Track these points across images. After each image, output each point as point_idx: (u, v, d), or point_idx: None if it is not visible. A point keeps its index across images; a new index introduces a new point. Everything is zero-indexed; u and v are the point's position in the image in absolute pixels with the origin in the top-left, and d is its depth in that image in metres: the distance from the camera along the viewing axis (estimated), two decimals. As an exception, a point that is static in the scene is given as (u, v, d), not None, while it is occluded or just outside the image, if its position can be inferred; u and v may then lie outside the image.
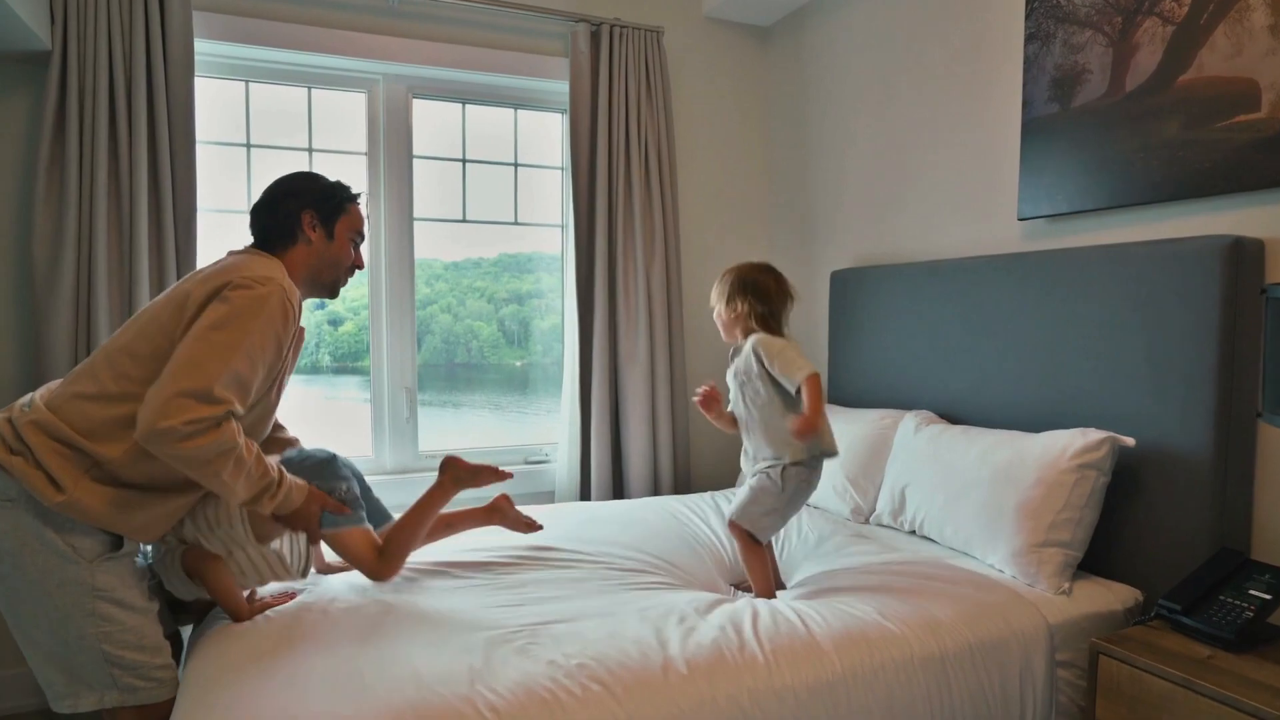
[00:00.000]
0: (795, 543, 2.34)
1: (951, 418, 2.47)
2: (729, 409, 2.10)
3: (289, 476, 1.65)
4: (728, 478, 3.48)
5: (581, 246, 3.07)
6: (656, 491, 3.13)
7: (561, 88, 3.14)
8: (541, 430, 3.35)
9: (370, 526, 1.82)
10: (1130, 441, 1.89)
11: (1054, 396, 2.14)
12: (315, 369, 3.02)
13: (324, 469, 1.78)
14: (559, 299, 3.32)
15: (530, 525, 2.12)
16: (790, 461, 1.94)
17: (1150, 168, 1.96)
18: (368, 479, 2.87)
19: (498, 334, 3.33)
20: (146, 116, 2.44)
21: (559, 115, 3.26)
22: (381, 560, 1.75)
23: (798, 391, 1.90)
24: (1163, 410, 1.88)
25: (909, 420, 2.45)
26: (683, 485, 3.21)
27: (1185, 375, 1.83)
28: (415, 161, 3.02)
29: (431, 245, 3.13)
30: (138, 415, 1.45)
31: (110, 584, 1.54)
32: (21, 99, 2.46)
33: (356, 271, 1.86)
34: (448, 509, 2.00)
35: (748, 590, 2.06)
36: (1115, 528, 1.99)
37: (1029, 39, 2.25)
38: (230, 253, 1.73)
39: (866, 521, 2.48)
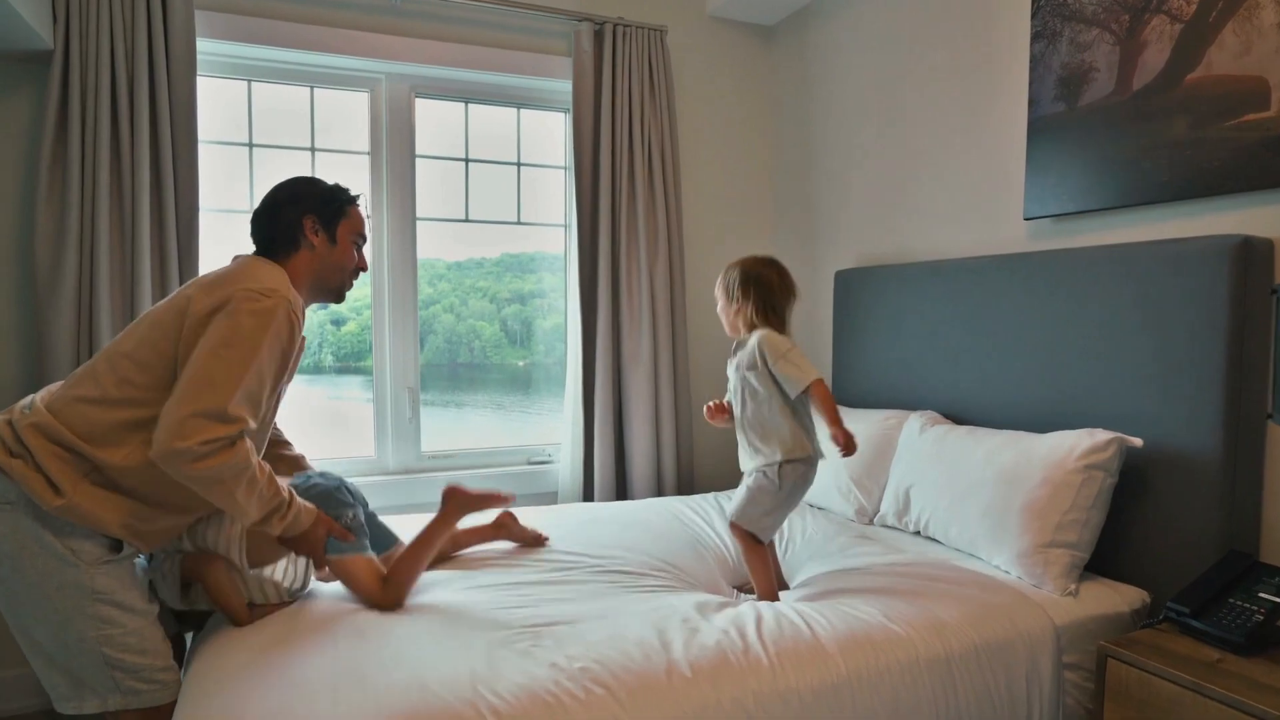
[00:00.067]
0: (799, 543, 2.33)
1: (957, 418, 2.45)
2: (726, 399, 2.10)
3: (298, 499, 1.65)
4: (731, 478, 3.46)
5: (584, 246, 3.06)
6: (660, 492, 3.13)
7: (565, 87, 3.14)
8: (544, 430, 3.34)
9: (374, 555, 1.81)
10: (1138, 442, 1.88)
11: (1060, 397, 2.13)
12: (318, 369, 3.01)
13: (331, 495, 1.79)
14: (562, 299, 3.31)
15: (537, 539, 2.14)
16: (785, 459, 1.94)
17: (1158, 167, 1.94)
18: (370, 479, 2.89)
19: (500, 334, 3.32)
20: (149, 116, 2.44)
21: (562, 115, 3.25)
22: (386, 589, 1.74)
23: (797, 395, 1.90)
24: (1171, 411, 1.87)
25: (914, 421, 2.43)
26: (686, 486, 3.20)
27: (1193, 376, 1.81)
28: (418, 161, 3.02)
29: (434, 245, 3.12)
30: (153, 437, 1.46)
31: (110, 586, 1.53)
32: (23, 98, 2.46)
33: (360, 274, 1.86)
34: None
35: (750, 592, 2.05)
36: (1122, 529, 1.97)
37: (1035, 37, 2.23)
38: (235, 258, 1.72)
39: (871, 522, 2.47)
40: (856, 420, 2.63)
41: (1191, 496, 1.83)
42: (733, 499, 2.06)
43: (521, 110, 3.20)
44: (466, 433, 3.26)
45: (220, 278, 1.60)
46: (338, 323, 3.06)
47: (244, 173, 2.80)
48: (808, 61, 3.29)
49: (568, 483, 3.08)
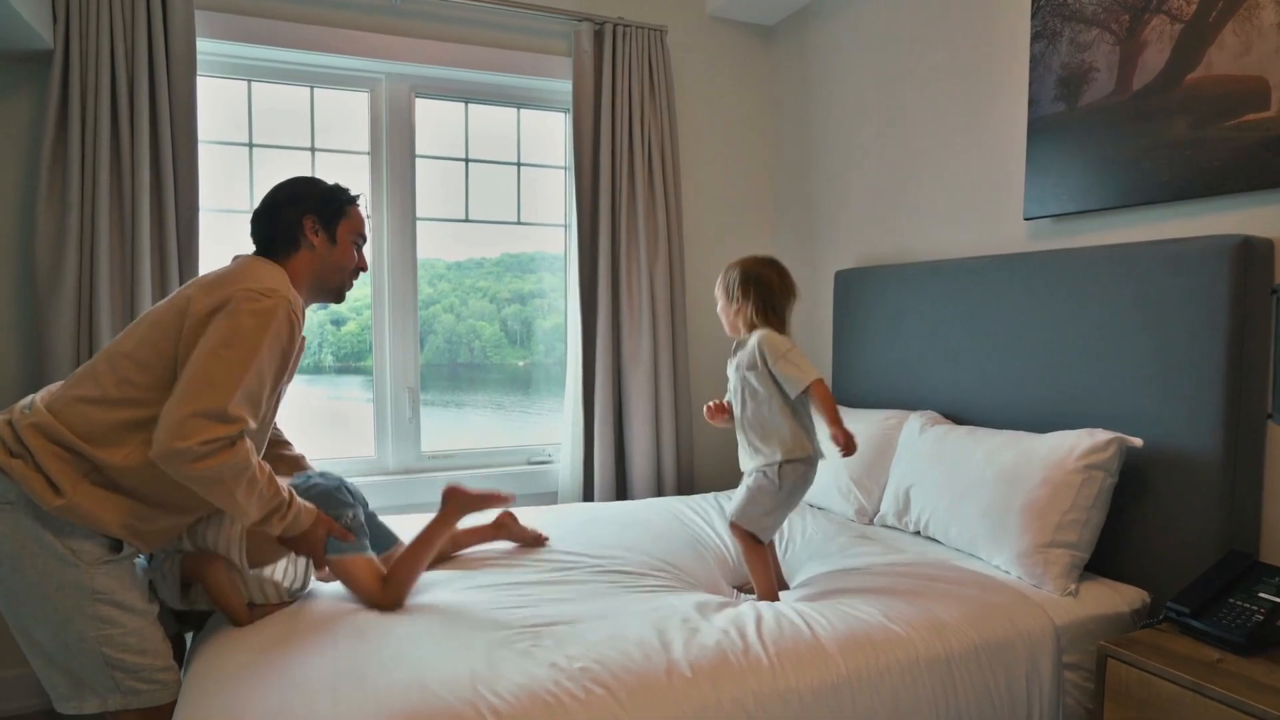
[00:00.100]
0: (799, 543, 2.33)
1: (957, 418, 2.45)
2: (726, 399, 2.10)
3: (298, 499, 1.65)
4: (731, 478, 3.46)
5: (584, 246, 3.06)
6: (660, 492, 3.13)
7: (565, 87, 3.14)
8: (544, 430, 3.34)
9: (374, 555, 1.81)
10: (1138, 442, 1.88)
11: (1060, 397, 2.13)
12: (318, 369, 3.01)
13: (331, 495, 1.79)
14: (562, 299, 3.31)
15: (537, 539, 2.15)
16: (785, 459, 1.94)
17: (1158, 167, 1.94)
18: (370, 479, 2.89)
19: (500, 334, 3.32)
20: (149, 116, 2.44)
21: (562, 114, 3.25)
22: (386, 589, 1.74)
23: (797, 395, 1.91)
24: (1171, 411, 1.87)
25: (914, 421, 2.43)
26: (686, 486, 3.20)
27: (1193, 376, 1.81)
28: (418, 161, 3.02)
29: (434, 245, 3.12)
30: (153, 437, 1.46)
31: (110, 586, 1.53)
32: (23, 98, 2.46)
33: (360, 274, 1.86)
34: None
35: (750, 592, 2.05)
36: (1122, 529, 1.97)
37: (1035, 37, 2.23)
38: (235, 258, 1.72)
39: (871, 522, 2.47)
40: (856, 420, 2.63)
41: (1191, 496, 1.83)
42: (733, 499, 2.06)
43: (521, 110, 3.20)
44: (466, 433, 3.26)
45: (220, 278, 1.60)
46: (338, 323, 3.06)
47: (244, 173, 2.80)
48: (808, 61, 3.29)
49: (568, 483, 3.08)
